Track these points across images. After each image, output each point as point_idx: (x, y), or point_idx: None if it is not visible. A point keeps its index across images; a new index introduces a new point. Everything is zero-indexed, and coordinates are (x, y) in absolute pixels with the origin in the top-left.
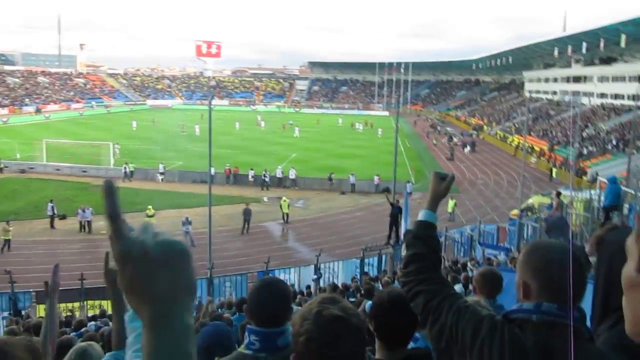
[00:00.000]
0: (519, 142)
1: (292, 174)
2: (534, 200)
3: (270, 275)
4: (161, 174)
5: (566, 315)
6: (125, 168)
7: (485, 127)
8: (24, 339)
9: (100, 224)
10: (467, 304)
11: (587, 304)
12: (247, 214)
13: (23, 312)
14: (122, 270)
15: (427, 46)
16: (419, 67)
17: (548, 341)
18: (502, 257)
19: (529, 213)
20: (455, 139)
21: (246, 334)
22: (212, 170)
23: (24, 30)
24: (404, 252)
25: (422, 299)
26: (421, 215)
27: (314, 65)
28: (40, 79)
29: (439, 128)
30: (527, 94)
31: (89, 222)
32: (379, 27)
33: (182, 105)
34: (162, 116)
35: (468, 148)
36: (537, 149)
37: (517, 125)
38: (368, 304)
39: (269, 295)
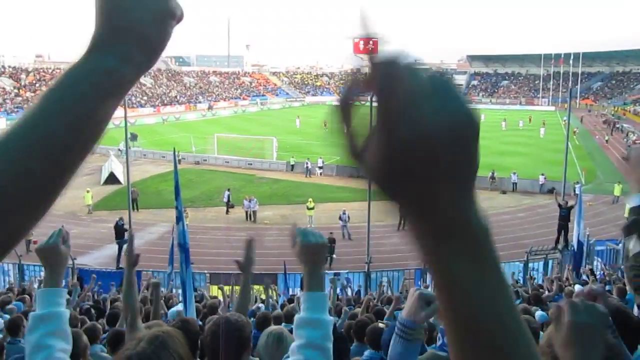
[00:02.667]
0: None
1: None
2: None
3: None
4: (320, 167)
5: None
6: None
7: None
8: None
9: (265, 214)
10: None
11: None
12: None
13: (198, 291)
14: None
15: (600, 34)
16: (590, 57)
17: None
18: None
19: None
20: (633, 137)
21: None
22: None
23: (197, 33)
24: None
25: None
26: (635, 201)
27: (472, 58)
28: (212, 78)
29: (617, 124)
30: None
31: (255, 212)
32: (543, 15)
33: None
34: (314, 112)
35: None
36: None
37: None
38: (539, 314)
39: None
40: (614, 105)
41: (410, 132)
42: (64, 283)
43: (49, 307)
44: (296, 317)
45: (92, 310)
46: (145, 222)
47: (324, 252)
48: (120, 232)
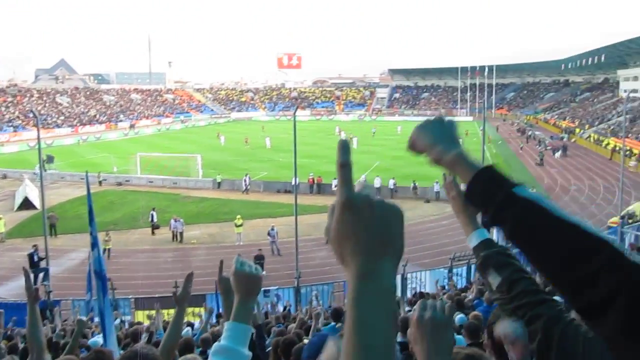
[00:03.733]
0: (615, 145)
1: (377, 183)
2: (636, 206)
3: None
4: (247, 184)
5: None
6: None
7: (577, 130)
8: (149, 347)
9: (192, 233)
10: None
11: None
12: None
13: (123, 319)
14: (341, 216)
15: (511, 48)
16: (503, 69)
17: None
18: None
19: (630, 220)
20: (544, 144)
21: None
22: (296, 180)
23: (117, 51)
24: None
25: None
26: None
27: (394, 72)
28: (133, 96)
29: (528, 132)
30: (622, 94)
31: (181, 233)
32: (460, 31)
33: (265, 116)
34: (239, 128)
35: (559, 152)
36: (636, 151)
37: (612, 127)
38: (459, 317)
39: None
40: (526, 114)
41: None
42: None
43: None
44: (215, 344)
45: (2, 346)
46: (64, 248)
47: (257, 285)
48: (34, 261)
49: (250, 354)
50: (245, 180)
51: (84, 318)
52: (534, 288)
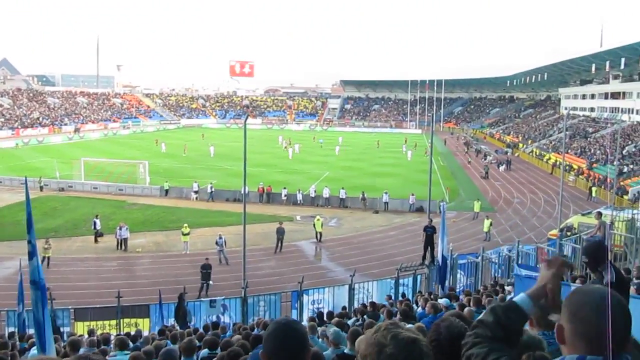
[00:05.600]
0: (556, 160)
1: (325, 193)
2: (574, 220)
3: (284, 316)
4: (195, 192)
5: None
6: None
7: (520, 145)
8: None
9: (136, 241)
10: None
11: None
12: (280, 232)
13: (62, 330)
14: None
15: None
16: (452, 84)
17: None
18: None
19: (569, 233)
20: (489, 157)
21: None
22: (246, 189)
23: (64, 52)
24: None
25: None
26: (517, 298)
27: (346, 83)
28: (79, 99)
29: (473, 146)
30: (563, 111)
31: (125, 240)
32: (411, 45)
33: (216, 124)
34: (187, 135)
35: (503, 166)
36: (575, 166)
37: (553, 143)
38: (409, 326)
39: (287, 338)
40: (473, 128)
41: None
42: None
43: None
44: None
45: None
46: (1, 256)
47: None
48: None
49: None
50: (210, 188)
51: (12, 329)
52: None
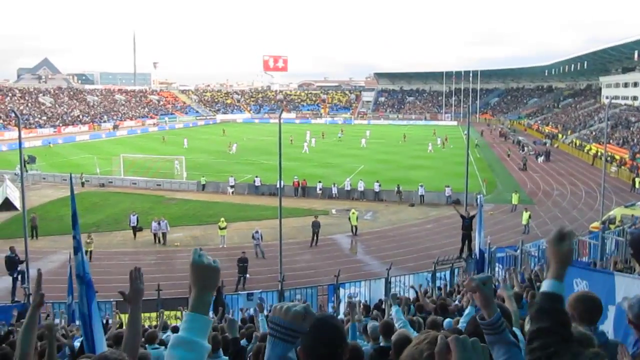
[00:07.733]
0: (597, 151)
1: (360, 186)
2: (617, 212)
3: (323, 313)
4: (231, 186)
5: None
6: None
7: (559, 136)
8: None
9: (175, 235)
10: None
11: None
12: (316, 226)
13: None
14: None
15: (497, 53)
16: (488, 75)
17: None
18: None
19: (611, 226)
20: (527, 148)
21: None
22: (281, 183)
23: (102, 50)
24: (527, 326)
25: None
26: (545, 286)
27: (380, 76)
28: (117, 96)
29: (510, 137)
30: (604, 100)
31: (164, 234)
32: (445, 36)
33: (251, 118)
34: (221, 131)
35: (542, 157)
36: (617, 157)
37: (594, 133)
38: (446, 321)
39: (324, 334)
40: (510, 119)
41: None
42: None
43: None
44: (173, 335)
45: None
46: (45, 250)
47: (215, 277)
48: (11, 264)
49: (209, 346)
50: (255, 181)
51: (57, 321)
52: (555, 344)
